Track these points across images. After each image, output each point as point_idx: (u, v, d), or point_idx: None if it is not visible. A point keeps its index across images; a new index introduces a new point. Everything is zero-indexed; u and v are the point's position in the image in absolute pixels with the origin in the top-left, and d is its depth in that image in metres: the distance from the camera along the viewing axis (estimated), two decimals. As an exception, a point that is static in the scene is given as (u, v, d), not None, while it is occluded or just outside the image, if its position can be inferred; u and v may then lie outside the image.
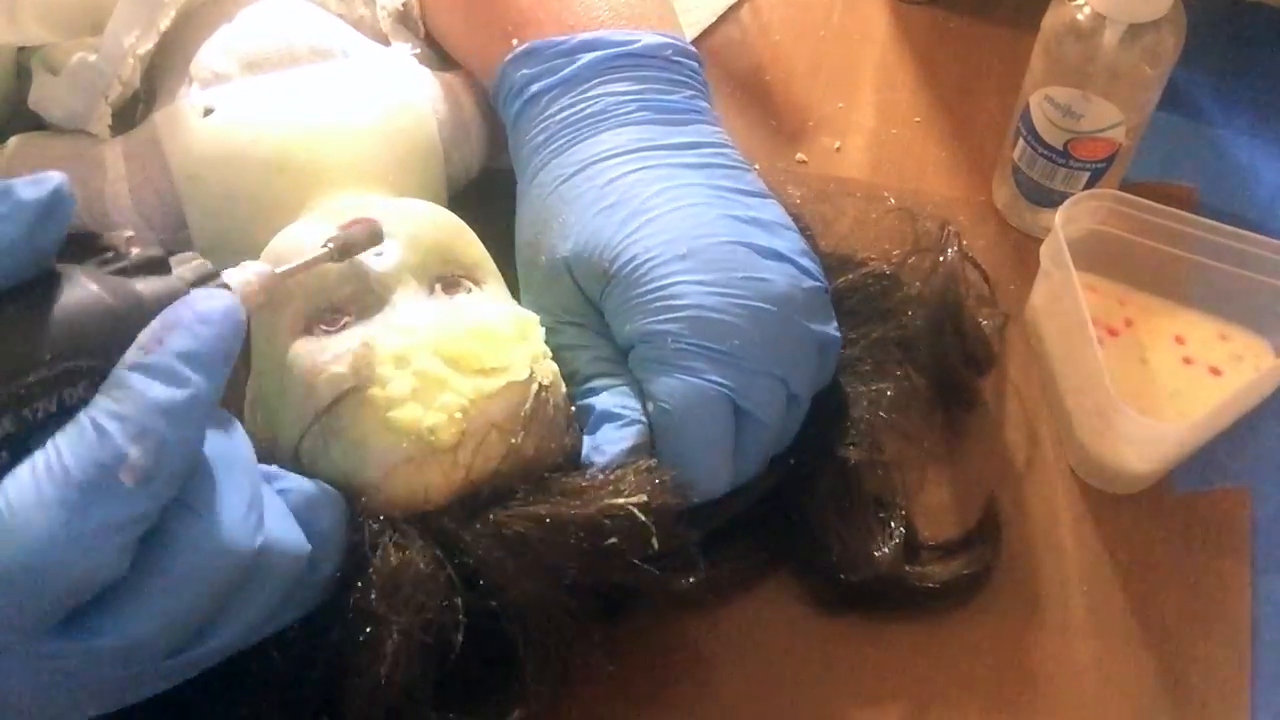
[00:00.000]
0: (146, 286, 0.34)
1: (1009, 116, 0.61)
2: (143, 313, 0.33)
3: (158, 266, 0.35)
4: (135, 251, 0.35)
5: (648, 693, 0.48)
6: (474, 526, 0.42)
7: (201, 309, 0.33)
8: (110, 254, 0.35)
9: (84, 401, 0.32)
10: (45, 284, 0.32)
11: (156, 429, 0.31)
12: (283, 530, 0.37)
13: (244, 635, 0.37)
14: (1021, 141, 0.60)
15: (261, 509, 0.35)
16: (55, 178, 0.32)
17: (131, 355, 0.32)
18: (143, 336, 0.33)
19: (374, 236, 0.44)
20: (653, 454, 0.45)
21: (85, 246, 0.35)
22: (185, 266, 0.37)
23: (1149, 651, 0.50)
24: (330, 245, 0.43)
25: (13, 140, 0.52)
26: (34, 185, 0.32)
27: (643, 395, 0.47)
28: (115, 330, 0.32)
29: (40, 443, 0.31)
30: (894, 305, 0.54)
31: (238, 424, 0.37)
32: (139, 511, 0.31)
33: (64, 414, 0.31)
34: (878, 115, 0.69)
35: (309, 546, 0.38)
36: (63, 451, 0.31)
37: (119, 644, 0.32)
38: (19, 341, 0.31)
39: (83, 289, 0.32)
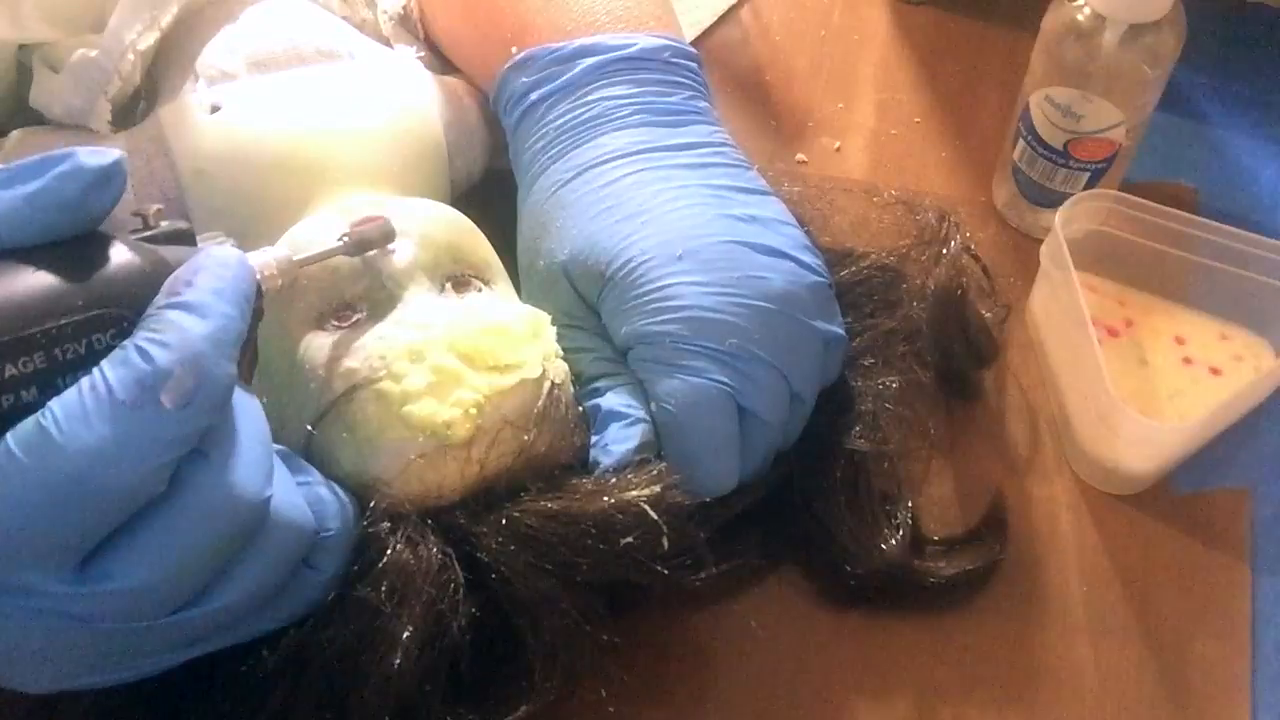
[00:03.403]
0: (172, 254, 0.37)
1: (1009, 116, 0.61)
2: (168, 273, 0.36)
3: (184, 238, 0.38)
4: (164, 224, 0.38)
5: (650, 687, 0.48)
6: (486, 522, 0.42)
7: (218, 256, 0.36)
8: (141, 224, 0.38)
9: (110, 348, 0.34)
10: (86, 241, 0.35)
11: (195, 353, 0.33)
12: (290, 503, 0.38)
13: (244, 602, 0.37)
14: (1021, 141, 0.60)
15: (270, 469, 0.37)
16: (115, 151, 0.34)
17: (163, 298, 0.35)
18: (170, 283, 0.35)
19: (387, 235, 0.45)
20: (659, 453, 0.46)
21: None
22: (210, 243, 0.39)
23: (1149, 651, 0.50)
24: (345, 239, 0.44)
25: (14, 134, 0.52)
26: (96, 154, 0.34)
27: (645, 394, 0.47)
28: (143, 286, 0.35)
29: (68, 383, 0.33)
30: (898, 297, 0.54)
31: (254, 395, 0.38)
32: (178, 433, 0.33)
33: (91, 357, 0.34)
34: (878, 115, 0.69)
35: (314, 524, 0.39)
36: (108, 374, 0.33)
37: (127, 587, 0.33)
38: (57, 288, 0.33)
39: (117, 249, 0.35)
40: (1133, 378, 0.57)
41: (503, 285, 0.49)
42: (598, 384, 0.47)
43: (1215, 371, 0.57)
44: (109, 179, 0.34)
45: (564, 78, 0.51)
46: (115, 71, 0.51)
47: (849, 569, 0.49)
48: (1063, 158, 0.59)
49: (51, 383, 0.33)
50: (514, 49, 0.52)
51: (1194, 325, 0.58)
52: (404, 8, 0.58)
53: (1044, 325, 0.58)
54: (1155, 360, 0.57)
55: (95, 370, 0.33)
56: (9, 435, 0.32)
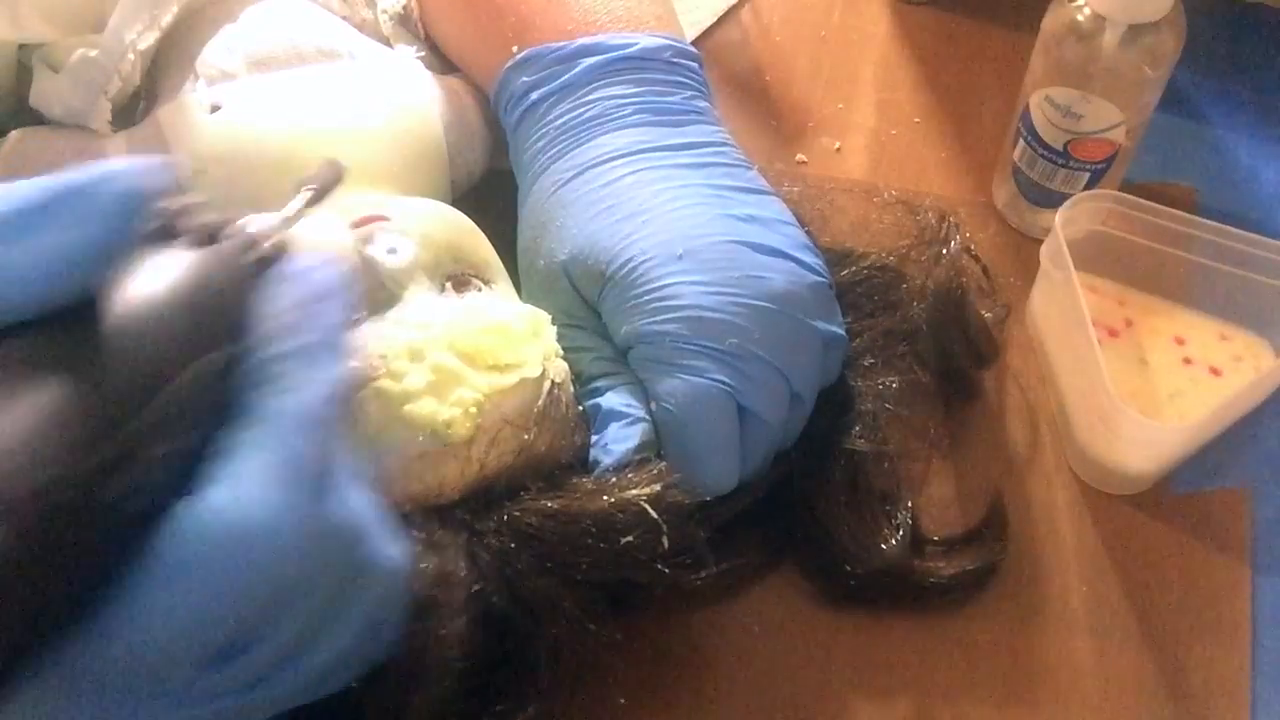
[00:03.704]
0: (235, 254, 0.31)
1: (1009, 116, 0.61)
2: (239, 286, 0.31)
3: (219, 230, 0.32)
4: (199, 220, 0.32)
5: (650, 687, 0.48)
6: (487, 521, 0.42)
7: (326, 277, 0.32)
8: (178, 229, 0.32)
9: (220, 388, 0.29)
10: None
11: (328, 416, 0.29)
12: (376, 536, 0.32)
13: (340, 665, 0.32)
14: (1021, 142, 0.60)
15: (309, 486, 0.29)
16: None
17: (302, 336, 0.30)
18: (288, 315, 0.30)
19: (337, 174, 0.39)
20: (659, 452, 0.46)
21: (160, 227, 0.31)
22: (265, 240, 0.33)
23: (1149, 651, 0.50)
24: (308, 190, 0.37)
25: (14, 134, 0.52)
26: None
27: (645, 394, 0.47)
28: (228, 310, 0.30)
29: (196, 442, 0.28)
30: (898, 297, 0.54)
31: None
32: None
33: (210, 405, 0.29)
34: (878, 115, 0.69)
35: (402, 565, 0.33)
36: (271, 447, 0.28)
37: (127, 650, 0.28)
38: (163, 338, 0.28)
39: (189, 272, 0.30)
40: (1133, 378, 0.57)
41: (503, 284, 0.49)
42: (598, 384, 0.47)
43: (1215, 371, 0.57)
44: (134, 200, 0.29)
45: (565, 77, 0.51)
46: (115, 71, 0.51)
47: (849, 569, 0.49)
48: (1063, 158, 0.59)
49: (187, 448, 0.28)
50: (515, 48, 0.52)
51: (1194, 325, 0.58)
52: (404, 7, 0.58)
53: (1044, 325, 0.58)
54: (1155, 360, 0.57)
55: (253, 444, 0.28)
56: (182, 519, 0.27)
